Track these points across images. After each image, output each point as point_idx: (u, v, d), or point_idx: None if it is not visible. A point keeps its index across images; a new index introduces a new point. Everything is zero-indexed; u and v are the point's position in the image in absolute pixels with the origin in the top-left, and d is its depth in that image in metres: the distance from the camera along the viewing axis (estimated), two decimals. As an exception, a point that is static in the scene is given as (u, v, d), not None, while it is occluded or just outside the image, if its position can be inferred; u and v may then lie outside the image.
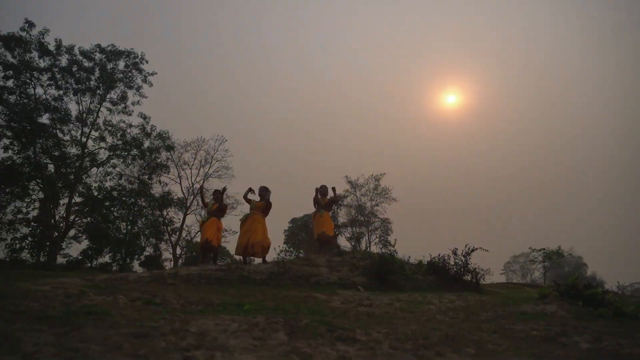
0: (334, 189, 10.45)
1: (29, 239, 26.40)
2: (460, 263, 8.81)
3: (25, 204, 26.54)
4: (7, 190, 25.82)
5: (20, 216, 26.50)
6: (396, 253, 9.31)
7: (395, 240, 11.06)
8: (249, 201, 9.62)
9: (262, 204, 9.46)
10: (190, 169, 32.92)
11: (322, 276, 7.28)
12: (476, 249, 8.86)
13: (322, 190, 10.44)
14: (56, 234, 24.84)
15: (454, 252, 8.94)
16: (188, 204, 32.01)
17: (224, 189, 10.37)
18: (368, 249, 35.28)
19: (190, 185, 32.67)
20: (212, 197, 10.48)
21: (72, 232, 27.03)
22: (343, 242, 35.67)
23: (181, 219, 31.94)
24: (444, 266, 8.81)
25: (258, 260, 9.24)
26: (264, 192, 9.67)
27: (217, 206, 9.87)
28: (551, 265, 28.51)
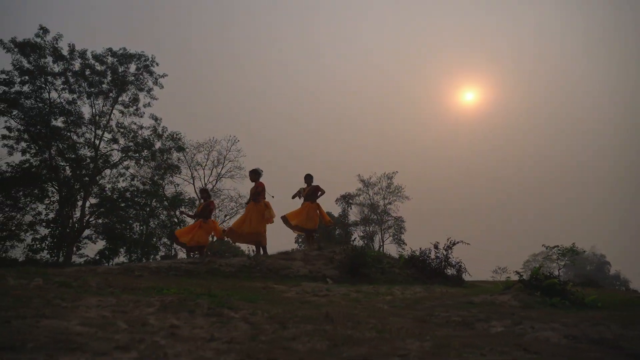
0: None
1: (49, 239, 27.29)
2: (441, 257, 8.77)
3: (45, 206, 27.49)
4: (27, 192, 26.80)
5: (40, 217, 27.47)
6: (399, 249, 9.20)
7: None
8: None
9: (252, 189, 9.61)
10: (203, 169, 33.50)
11: (293, 269, 7.36)
12: (457, 242, 8.80)
13: (306, 180, 10.45)
14: (72, 233, 25.60)
15: (436, 246, 8.89)
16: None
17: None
18: (381, 248, 35.16)
19: (203, 185, 33.19)
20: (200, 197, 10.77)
21: (87, 233, 27.83)
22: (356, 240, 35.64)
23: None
24: (424, 260, 8.78)
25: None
26: (253, 175, 9.74)
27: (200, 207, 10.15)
28: (567, 263, 27.90)
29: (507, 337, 3.04)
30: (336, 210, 35.46)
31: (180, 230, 9.87)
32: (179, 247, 10.05)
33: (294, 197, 10.41)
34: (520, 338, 3.07)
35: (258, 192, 9.44)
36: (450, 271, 8.83)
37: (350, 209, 35.07)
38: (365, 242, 35.25)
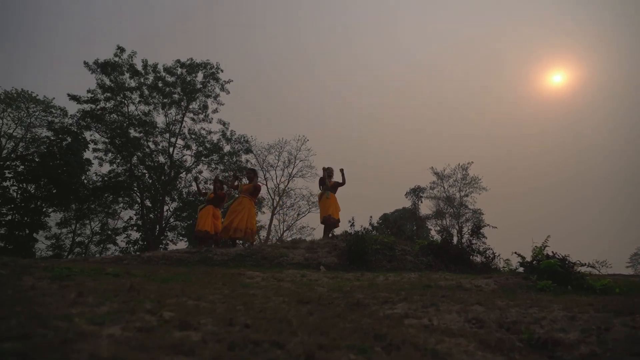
0: (342, 170, 9.99)
1: (140, 242, 29.51)
2: (465, 242, 7.86)
3: (134, 212, 29.83)
4: (118, 199, 29.27)
5: (132, 222, 29.88)
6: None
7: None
8: (236, 187, 9.81)
9: (250, 186, 9.47)
10: (275, 170, 34.11)
11: (289, 257, 6.95)
12: (484, 226, 7.83)
13: (328, 172, 10.08)
14: (154, 236, 27.41)
15: (460, 232, 7.99)
16: (274, 205, 33.20)
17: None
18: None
19: (276, 186, 33.84)
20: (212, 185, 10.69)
21: (170, 235, 29.68)
22: (433, 235, 34.08)
23: (269, 219, 33.25)
24: (444, 246, 7.93)
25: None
26: (252, 174, 9.75)
27: (214, 195, 9.97)
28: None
29: (363, 317, 2.45)
30: (406, 204, 34.27)
31: (201, 224, 9.71)
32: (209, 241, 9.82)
33: (320, 184, 10.21)
34: (404, 321, 2.46)
35: (257, 190, 9.65)
36: (478, 259, 7.89)
37: (421, 202, 33.60)
38: (443, 235, 33.56)
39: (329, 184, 9.93)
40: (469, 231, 7.90)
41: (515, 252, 5.25)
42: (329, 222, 9.54)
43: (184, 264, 6.54)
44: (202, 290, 2.93)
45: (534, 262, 4.96)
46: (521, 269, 5.61)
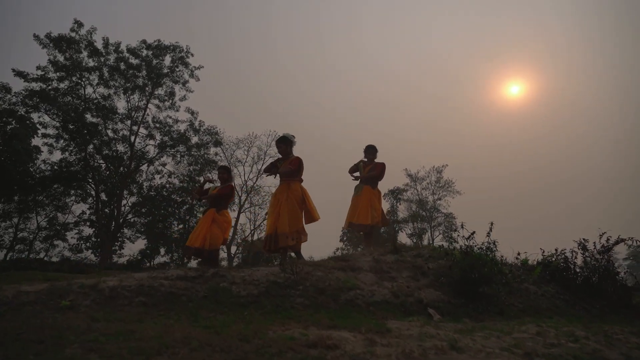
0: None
1: (93, 239, 25.07)
2: (595, 265, 5.08)
3: (88, 206, 25.27)
4: (69, 191, 24.59)
5: (84, 217, 25.29)
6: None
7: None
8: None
9: (286, 163, 5.73)
10: (243, 166, 30.54)
11: (363, 290, 3.88)
12: (621, 241, 5.07)
13: (367, 152, 6.94)
14: (110, 233, 23.24)
15: (583, 247, 5.21)
16: (242, 202, 29.65)
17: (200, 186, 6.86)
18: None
19: (243, 182, 30.27)
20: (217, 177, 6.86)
21: (128, 232, 25.53)
22: (403, 239, 31.71)
23: (235, 217, 29.63)
24: (567, 269, 5.12)
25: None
26: (283, 145, 6.13)
27: (217, 190, 6.25)
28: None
29: None
30: (384, 207, 31.47)
31: (191, 236, 6.16)
32: (193, 258, 6.08)
33: (352, 171, 7.01)
34: None
35: (294, 171, 5.65)
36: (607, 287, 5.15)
37: (399, 204, 31.10)
38: (415, 240, 31.30)
39: (364, 171, 6.85)
40: (596, 249, 5.11)
41: None
42: (362, 230, 6.56)
43: (182, 305, 3.32)
44: None
45: None
46: None
